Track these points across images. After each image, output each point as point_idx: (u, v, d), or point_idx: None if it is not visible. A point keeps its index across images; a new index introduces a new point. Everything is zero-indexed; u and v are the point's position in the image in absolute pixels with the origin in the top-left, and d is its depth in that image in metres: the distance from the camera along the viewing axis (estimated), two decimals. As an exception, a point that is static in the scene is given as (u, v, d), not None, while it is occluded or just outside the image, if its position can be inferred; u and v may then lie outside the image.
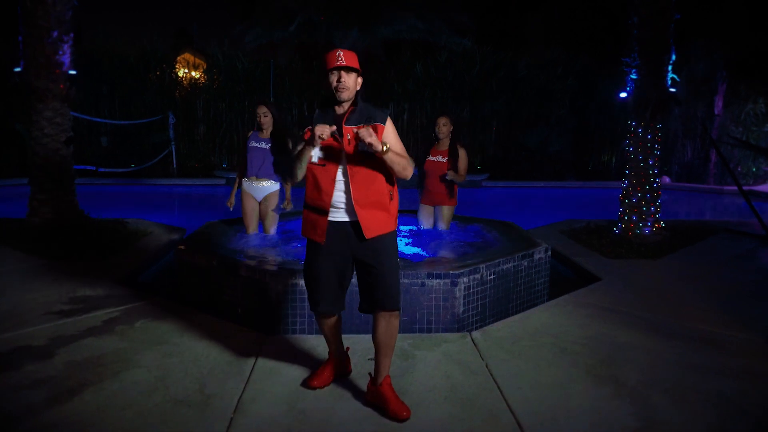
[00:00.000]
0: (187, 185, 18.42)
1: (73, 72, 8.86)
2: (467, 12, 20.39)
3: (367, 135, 3.44)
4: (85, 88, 19.26)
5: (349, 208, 3.68)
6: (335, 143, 3.65)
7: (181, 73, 22.49)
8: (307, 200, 3.80)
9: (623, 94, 9.26)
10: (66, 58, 8.75)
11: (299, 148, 3.72)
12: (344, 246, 3.73)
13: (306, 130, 3.71)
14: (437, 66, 22.43)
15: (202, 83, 22.15)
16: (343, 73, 3.63)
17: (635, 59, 9.05)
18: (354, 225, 3.69)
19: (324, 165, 3.68)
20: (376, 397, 3.78)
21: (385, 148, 3.51)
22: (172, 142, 20.08)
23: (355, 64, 3.67)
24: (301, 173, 3.72)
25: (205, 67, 22.93)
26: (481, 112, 22.17)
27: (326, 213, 3.68)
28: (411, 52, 22.67)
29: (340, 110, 3.73)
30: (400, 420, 3.60)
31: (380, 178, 3.70)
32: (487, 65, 22.52)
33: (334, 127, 3.55)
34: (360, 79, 3.75)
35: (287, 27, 18.41)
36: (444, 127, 7.13)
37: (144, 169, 19.11)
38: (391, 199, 3.78)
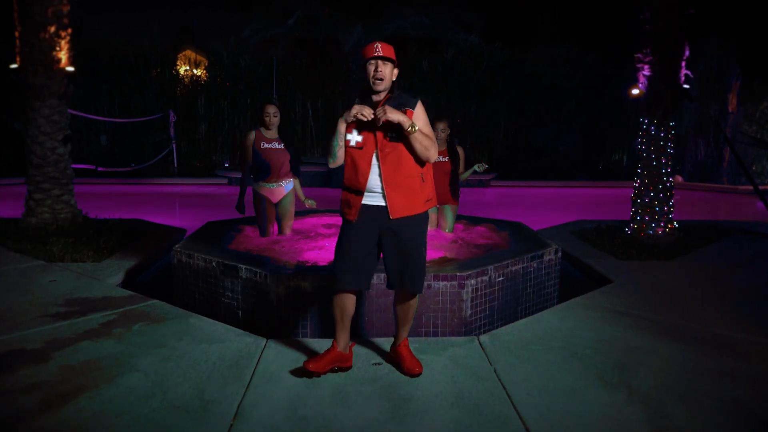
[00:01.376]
0: (188, 185, 18.40)
1: (71, 69, 8.84)
2: (474, 8, 20.36)
3: (382, 113, 3.80)
4: (85, 86, 19.30)
5: (384, 192, 3.97)
6: (370, 130, 3.97)
7: (182, 71, 22.52)
8: (345, 182, 4.09)
9: (635, 91, 9.21)
10: (64, 55, 8.73)
11: (339, 129, 4.04)
12: (374, 228, 4.02)
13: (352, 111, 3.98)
14: (444, 63, 22.41)
15: (204, 81, 22.17)
16: (380, 62, 3.94)
17: (647, 55, 9.00)
18: (388, 209, 3.98)
19: (361, 148, 3.98)
20: (395, 356, 4.32)
21: (410, 128, 3.83)
22: (173, 141, 20.07)
23: (392, 55, 3.98)
24: (340, 153, 4.08)
25: (206, 64, 22.96)
26: (489, 110, 22.15)
27: (361, 194, 4.00)
28: (417, 48, 22.65)
29: (376, 99, 4.03)
30: (413, 375, 4.12)
31: (409, 161, 3.97)
32: (494, 62, 22.50)
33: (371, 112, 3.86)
34: (396, 70, 4.05)
35: (286, 22, 18.39)
36: (443, 133, 7.14)
37: (144, 169, 19.12)
38: (423, 181, 4.05)
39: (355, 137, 3.99)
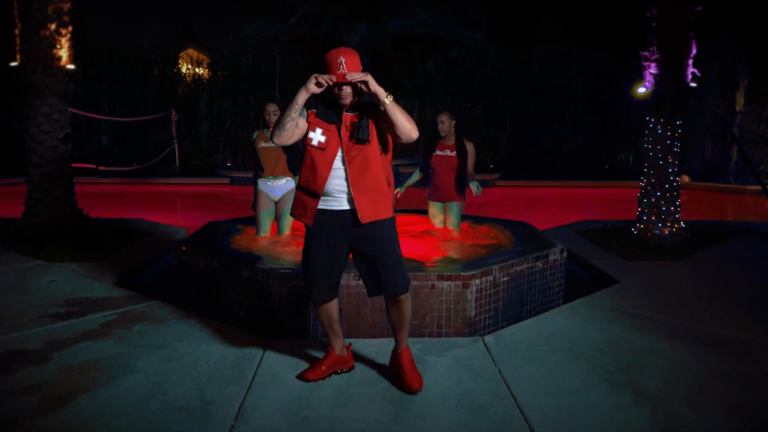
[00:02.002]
0: (190, 184, 18.40)
1: (71, 67, 8.84)
2: (478, 6, 20.35)
3: (358, 76, 3.59)
4: (85, 84, 19.31)
5: (348, 196, 3.84)
6: (334, 131, 3.82)
7: (184, 70, 22.53)
8: (301, 182, 3.93)
9: (641, 90, 9.18)
10: (64, 53, 8.73)
11: (297, 101, 3.79)
12: (340, 235, 3.90)
13: (309, 113, 3.90)
14: (448, 62, 22.39)
15: (206, 79, 22.18)
16: (344, 87, 3.76)
17: (653, 53, 8.97)
18: (352, 213, 3.85)
19: (323, 149, 3.82)
20: (395, 366, 4.12)
21: (387, 98, 3.61)
22: (175, 140, 20.07)
23: (358, 68, 3.73)
24: (290, 124, 3.79)
25: (208, 63, 22.98)
26: (494, 109, 22.12)
27: (318, 197, 3.85)
28: (421, 47, 22.63)
29: (342, 102, 3.85)
30: (410, 393, 3.90)
31: (377, 164, 3.85)
32: (499, 61, 22.47)
33: (333, 78, 3.66)
34: None
35: (288, 20, 18.40)
36: (444, 124, 7.11)
37: (145, 168, 19.12)
38: (389, 185, 3.94)
39: (318, 136, 3.83)
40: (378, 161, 3.86)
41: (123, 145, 20.47)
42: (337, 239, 3.91)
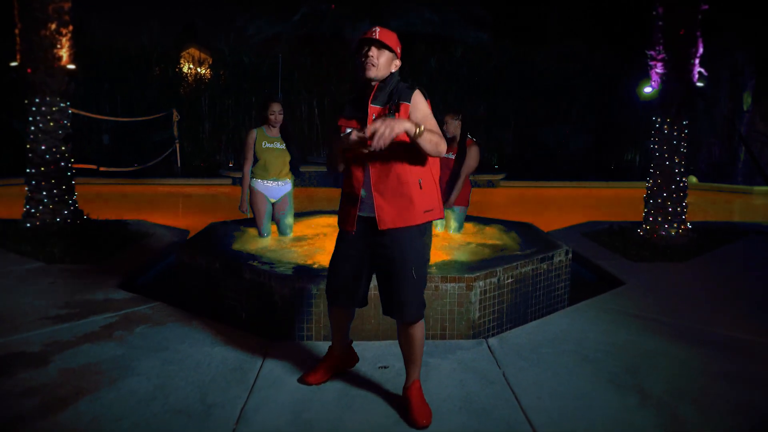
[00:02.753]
0: (192, 185, 18.43)
1: (72, 66, 8.86)
2: (483, 5, 20.34)
3: (389, 131, 3.18)
4: (86, 84, 19.34)
5: (372, 200, 3.56)
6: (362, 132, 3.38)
7: (185, 69, 22.56)
8: (343, 188, 3.72)
9: (648, 89, 9.18)
10: (64, 52, 8.75)
11: (336, 142, 3.58)
12: (365, 243, 3.65)
13: (339, 118, 3.69)
14: (452, 61, 22.39)
15: (208, 79, 22.21)
16: (374, 47, 3.53)
17: (660, 52, 8.97)
18: (372, 219, 3.60)
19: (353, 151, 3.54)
20: (403, 400, 3.74)
21: (417, 131, 3.29)
22: (176, 141, 20.10)
23: (391, 43, 3.55)
24: (340, 165, 3.69)
25: (210, 62, 23.00)
26: (498, 109, 22.12)
27: (356, 201, 3.58)
28: (425, 46, 22.64)
29: (368, 91, 3.61)
30: (416, 427, 3.53)
31: (403, 164, 3.52)
32: (504, 60, 22.47)
33: (355, 135, 3.36)
34: (397, 62, 3.65)
35: (291, 18, 18.42)
36: (449, 125, 7.04)
37: (147, 169, 19.15)
38: (421, 188, 3.58)
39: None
40: (406, 160, 3.51)
41: (124, 145, 20.52)
42: (363, 249, 3.67)
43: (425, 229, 3.71)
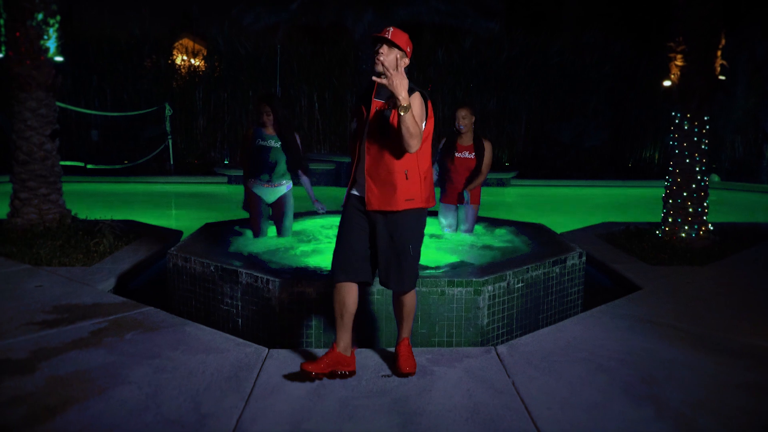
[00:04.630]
0: (185, 183, 18.46)
1: (59, 59, 8.90)
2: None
3: (397, 79, 3.87)
4: (73, 76, 19.40)
5: (365, 183, 4.24)
6: (363, 117, 4.26)
7: (178, 61, 22.60)
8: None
9: (667, 83, 9.19)
10: (51, 44, 8.78)
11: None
12: (364, 220, 4.32)
13: (358, 105, 4.36)
14: (461, 52, 22.38)
15: (202, 71, 22.24)
16: (384, 45, 4.08)
17: (680, 44, 8.96)
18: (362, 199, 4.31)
19: (354, 136, 4.33)
20: (393, 355, 4.51)
21: (402, 104, 3.86)
22: (169, 136, 20.12)
23: (401, 43, 4.08)
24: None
25: (205, 53, 23.03)
26: (510, 103, 22.11)
27: (354, 181, 4.37)
28: (432, 37, 22.63)
29: (373, 85, 4.21)
30: (402, 375, 4.30)
31: (393, 155, 4.14)
32: (516, 51, 22.45)
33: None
34: (406, 60, 4.14)
35: (289, 6, 18.44)
36: (465, 120, 7.10)
37: (138, 166, 19.20)
38: (406, 178, 4.18)
39: (353, 125, 4.32)
40: (396, 152, 4.11)
41: (114, 141, 20.55)
42: (363, 225, 4.31)
43: (416, 215, 4.31)
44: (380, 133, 4.12)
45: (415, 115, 3.97)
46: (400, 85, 3.86)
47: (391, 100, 4.05)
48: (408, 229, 4.25)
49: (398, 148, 4.07)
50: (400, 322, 4.49)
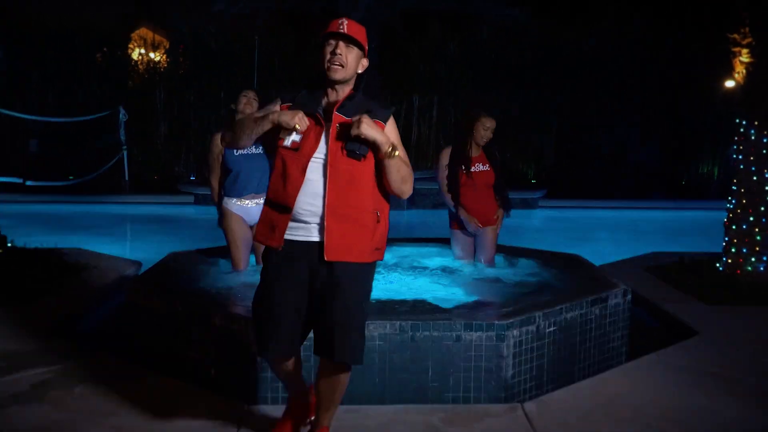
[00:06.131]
0: (144, 203, 18.47)
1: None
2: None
3: (369, 128, 3.63)
4: (8, 73, 19.45)
5: (321, 223, 3.77)
6: (314, 128, 3.76)
7: (135, 55, 22.65)
8: (269, 194, 3.91)
9: (730, 83, 9.25)
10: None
11: (259, 114, 3.87)
12: (304, 266, 3.84)
13: (280, 101, 3.94)
14: (477, 45, 22.42)
15: (164, 68, 22.29)
16: (341, 44, 3.75)
17: (745, 36, 9.01)
18: (320, 246, 3.79)
19: (297, 150, 3.75)
20: None
21: (391, 151, 3.71)
22: (124, 147, 20.09)
23: (361, 39, 3.79)
24: (245, 141, 3.91)
25: (167, 46, 23.08)
26: (537, 107, 22.11)
27: (289, 211, 3.76)
28: (442, 26, 22.68)
29: (332, 95, 3.87)
30: None
31: (367, 188, 3.83)
32: (544, 44, 22.49)
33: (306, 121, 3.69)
34: (365, 61, 3.90)
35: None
36: (490, 133, 7.17)
37: (86, 183, 19.16)
38: (378, 221, 3.90)
39: (292, 135, 3.75)
40: (369, 184, 3.85)
41: (57, 152, 20.55)
42: (301, 275, 3.85)
43: (373, 269, 4.06)
44: (347, 160, 3.73)
45: (402, 154, 3.85)
46: (370, 131, 3.65)
47: (360, 120, 3.69)
48: (367, 285, 3.97)
49: (371, 180, 3.85)
50: (327, 405, 4.01)
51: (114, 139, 20.22)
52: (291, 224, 3.81)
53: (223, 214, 6.92)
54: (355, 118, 3.65)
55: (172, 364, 5.59)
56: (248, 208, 6.87)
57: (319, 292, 3.81)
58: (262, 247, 6.98)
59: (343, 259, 3.75)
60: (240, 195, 6.83)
